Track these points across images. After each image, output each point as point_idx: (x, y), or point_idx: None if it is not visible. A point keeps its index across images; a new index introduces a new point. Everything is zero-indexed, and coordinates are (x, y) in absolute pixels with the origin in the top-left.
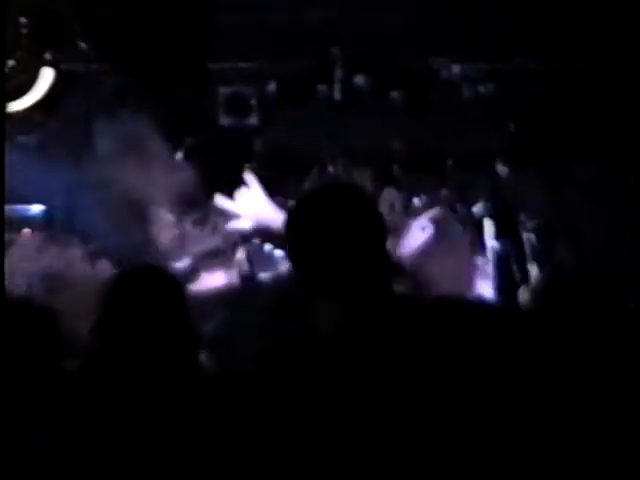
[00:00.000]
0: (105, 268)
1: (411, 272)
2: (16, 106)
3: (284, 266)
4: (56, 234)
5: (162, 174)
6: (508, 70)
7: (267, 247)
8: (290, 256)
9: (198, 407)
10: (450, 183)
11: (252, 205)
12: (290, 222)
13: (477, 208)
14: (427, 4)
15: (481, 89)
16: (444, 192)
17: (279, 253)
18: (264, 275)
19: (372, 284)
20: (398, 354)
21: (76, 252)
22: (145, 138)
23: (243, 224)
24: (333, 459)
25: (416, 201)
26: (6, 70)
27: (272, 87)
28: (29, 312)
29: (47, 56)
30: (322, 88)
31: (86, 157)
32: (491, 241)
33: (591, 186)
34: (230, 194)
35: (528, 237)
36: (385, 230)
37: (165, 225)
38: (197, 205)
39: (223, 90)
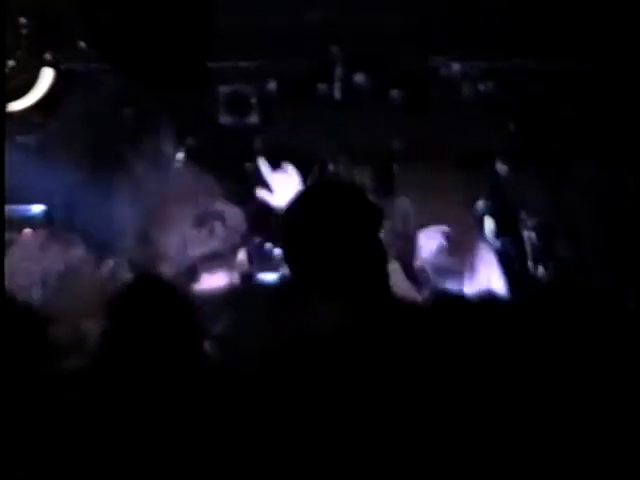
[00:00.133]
0: (110, 268)
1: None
2: (16, 106)
3: (284, 265)
4: (57, 232)
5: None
6: (508, 69)
7: (267, 246)
8: (286, 257)
9: (204, 406)
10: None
11: (289, 191)
12: (285, 222)
13: (477, 207)
14: (427, 3)
15: (481, 87)
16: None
17: (280, 252)
18: (265, 275)
19: (370, 282)
20: (398, 352)
21: (78, 251)
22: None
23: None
24: (333, 456)
25: None
26: (6, 70)
27: (272, 86)
28: (19, 312)
29: (47, 56)
30: (322, 87)
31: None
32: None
33: (591, 186)
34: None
35: (528, 236)
36: (381, 227)
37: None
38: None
39: (223, 89)
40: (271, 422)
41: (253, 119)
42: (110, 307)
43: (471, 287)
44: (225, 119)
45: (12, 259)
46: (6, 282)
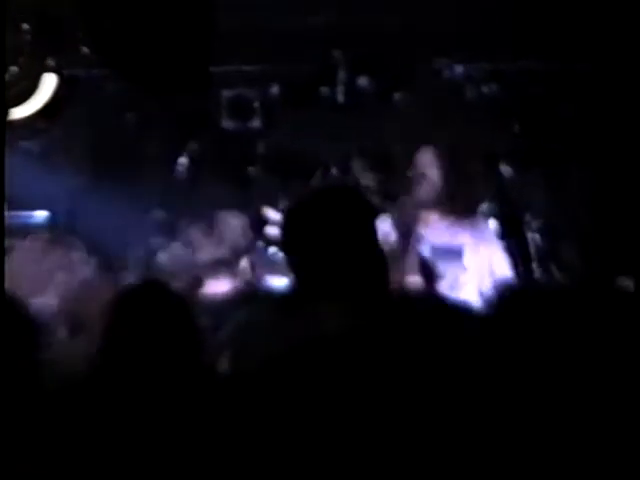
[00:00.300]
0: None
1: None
2: (19, 113)
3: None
4: (58, 236)
5: None
6: (511, 70)
7: (271, 251)
8: (288, 260)
9: (206, 409)
10: None
11: None
12: (285, 226)
13: (482, 208)
14: (428, 5)
15: (484, 89)
16: None
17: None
18: (269, 279)
19: (371, 284)
20: (401, 353)
21: (79, 254)
22: None
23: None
24: (337, 458)
25: None
26: (8, 77)
27: (275, 90)
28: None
29: (50, 62)
30: (325, 90)
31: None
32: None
33: (593, 186)
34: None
35: (533, 237)
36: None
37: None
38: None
39: (226, 93)
40: (275, 426)
41: (256, 123)
42: (111, 310)
43: (472, 266)
44: (228, 123)
45: (13, 264)
46: (7, 286)
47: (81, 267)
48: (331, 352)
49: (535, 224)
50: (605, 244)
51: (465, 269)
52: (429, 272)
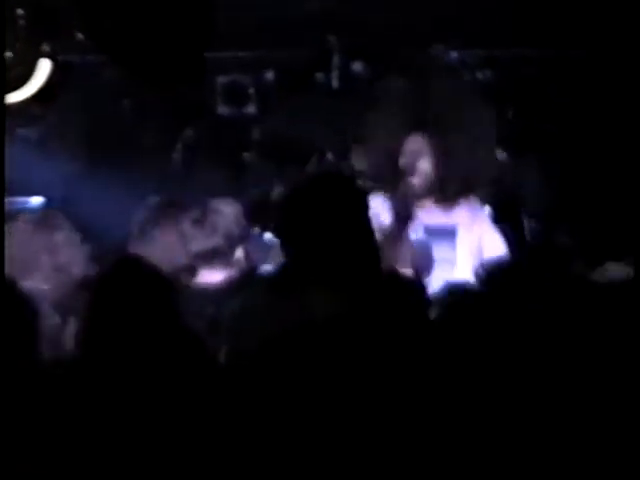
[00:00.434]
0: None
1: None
2: (13, 98)
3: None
4: (41, 216)
5: None
6: (506, 57)
7: (267, 237)
8: (282, 248)
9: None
10: None
11: None
12: (280, 213)
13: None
14: None
15: (479, 75)
16: None
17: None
18: (264, 265)
19: (363, 269)
20: (392, 339)
21: (64, 232)
22: None
23: None
24: (329, 446)
25: None
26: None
27: (270, 76)
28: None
29: (45, 47)
30: (320, 76)
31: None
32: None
33: (588, 170)
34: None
35: (528, 222)
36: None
37: None
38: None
39: (221, 79)
40: (267, 411)
41: (251, 109)
42: (93, 287)
43: (466, 245)
44: (223, 109)
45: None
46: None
47: (67, 248)
48: (320, 336)
49: (530, 209)
50: (600, 229)
51: (458, 248)
52: (423, 257)
